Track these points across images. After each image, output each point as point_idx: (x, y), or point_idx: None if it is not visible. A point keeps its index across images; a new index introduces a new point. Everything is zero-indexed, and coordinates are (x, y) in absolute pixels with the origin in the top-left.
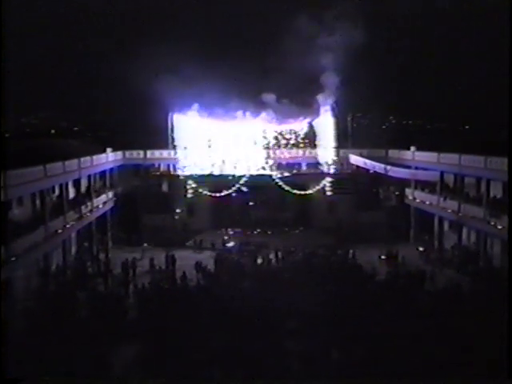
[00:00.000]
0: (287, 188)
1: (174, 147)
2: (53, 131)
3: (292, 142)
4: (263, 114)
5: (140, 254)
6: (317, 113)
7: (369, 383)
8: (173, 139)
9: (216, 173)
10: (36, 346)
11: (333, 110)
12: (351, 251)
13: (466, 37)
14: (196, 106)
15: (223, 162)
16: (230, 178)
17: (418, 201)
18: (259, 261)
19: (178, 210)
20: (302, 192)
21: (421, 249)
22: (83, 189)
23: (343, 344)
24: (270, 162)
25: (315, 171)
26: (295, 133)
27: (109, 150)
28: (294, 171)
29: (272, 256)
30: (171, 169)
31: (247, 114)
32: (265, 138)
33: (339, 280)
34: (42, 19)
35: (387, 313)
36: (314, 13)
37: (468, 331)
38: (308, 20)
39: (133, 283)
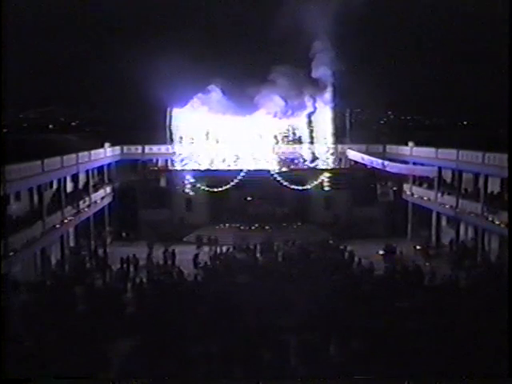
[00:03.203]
0: (285, 183)
1: (172, 142)
2: (51, 126)
3: (290, 137)
4: (263, 108)
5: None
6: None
7: (367, 382)
8: (171, 134)
9: (214, 168)
10: (35, 345)
11: (331, 105)
12: (349, 246)
13: (467, 33)
14: (194, 100)
15: (221, 156)
16: (228, 173)
17: (415, 196)
18: (257, 256)
19: (175, 205)
20: (300, 187)
21: (418, 247)
22: (81, 184)
23: (340, 340)
24: (269, 157)
25: (313, 166)
26: (293, 128)
27: (107, 144)
28: (292, 166)
29: (270, 251)
30: (169, 164)
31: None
32: (263, 132)
33: (336, 275)
34: (41, 16)
35: (384, 309)
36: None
37: (467, 329)
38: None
39: (133, 278)
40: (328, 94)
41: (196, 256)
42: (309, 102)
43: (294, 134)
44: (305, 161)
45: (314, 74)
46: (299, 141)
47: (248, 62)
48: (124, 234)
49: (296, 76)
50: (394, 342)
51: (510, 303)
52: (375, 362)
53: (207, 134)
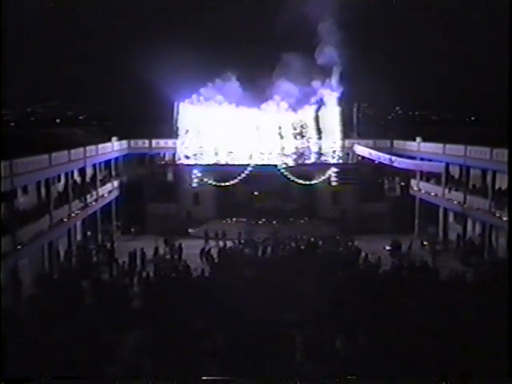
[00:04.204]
0: (292, 178)
1: (180, 136)
2: (58, 120)
3: (298, 131)
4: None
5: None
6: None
7: (367, 381)
8: (178, 128)
9: (221, 162)
10: (39, 340)
11: (339, 99)
12: (356, 242)
13: (472, 29)
14: (201, 93)
15: (229, 151)
16: (236, 167)
17: (423, 192)
18: (264, 250)
19: (183, 200)
20: (308, 182)
21: (425, 242)
22: (88, 178)
23: (346, 336)
24: (276, 151)
25: (321, 161)
26: (301, 122)
27: (114, 138)
28: (300, 161)
29: (276, 245)
30: (177, 158)
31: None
32: (271, 127)
33: (343, 270)
34: (46, 9)
35: (388, 306)
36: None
37: (468, 327)
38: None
39: (139, 272)
40: (335, 81)
41: (203, 250)
42: (318, 89)
43: (301, 128)
44: (312, 155)
45: (321, 61)
46: (306, 135)
47: (257, 50)
48: (132, 229)
49: (305, 63)
50: (394, 340)
51: (510, 303)
52: (376, 360)
53: (215, 127)
